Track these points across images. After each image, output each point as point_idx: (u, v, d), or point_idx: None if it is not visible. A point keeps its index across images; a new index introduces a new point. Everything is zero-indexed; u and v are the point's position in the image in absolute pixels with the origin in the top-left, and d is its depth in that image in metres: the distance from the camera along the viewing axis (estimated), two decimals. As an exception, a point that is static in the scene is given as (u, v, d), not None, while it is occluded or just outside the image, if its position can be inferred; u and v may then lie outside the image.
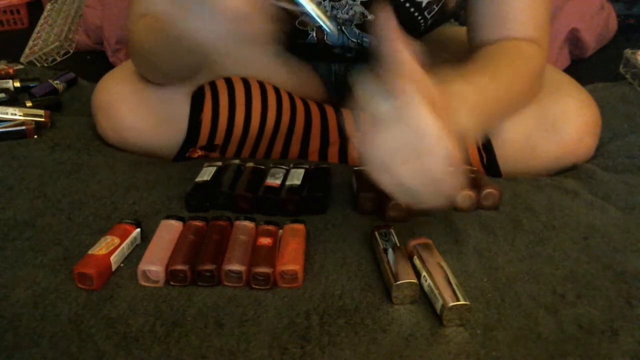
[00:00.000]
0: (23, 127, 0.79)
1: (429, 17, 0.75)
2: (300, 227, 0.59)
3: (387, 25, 0.46)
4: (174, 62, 0.69)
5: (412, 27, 0.77)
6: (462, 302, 0.47)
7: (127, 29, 0.74)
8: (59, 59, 1.28)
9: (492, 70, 0.63)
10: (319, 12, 0.50)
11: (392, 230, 0.57)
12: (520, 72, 0.66)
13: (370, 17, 0.74)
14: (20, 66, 1.12)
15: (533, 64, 0.68)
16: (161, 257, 0.54)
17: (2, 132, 0.78)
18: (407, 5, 0.73)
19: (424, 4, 0.73)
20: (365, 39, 0.78)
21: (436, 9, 0.75)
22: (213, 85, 0.79)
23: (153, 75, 0.75)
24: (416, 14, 0.74)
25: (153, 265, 0.52)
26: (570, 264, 0.55)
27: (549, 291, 0.52)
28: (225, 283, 0.53)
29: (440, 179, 0.46)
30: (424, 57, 0.49)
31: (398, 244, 0.55)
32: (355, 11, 0.74)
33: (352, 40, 0.79)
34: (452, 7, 0.78)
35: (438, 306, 0.48)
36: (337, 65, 0.91)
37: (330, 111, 0.87)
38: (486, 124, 0.61)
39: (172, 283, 0.53)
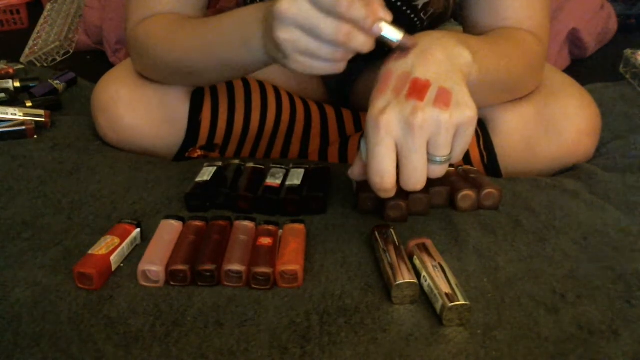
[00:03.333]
0: (23, 127, 0.79)
1: (425, 18, 0.75)
2: (300, 227, 0.59)
3: None
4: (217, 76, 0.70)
5: (408, 29, 0.77)
6: (462, 302, 0.47)
7: (128, 33, 0.74)
8: (59, 59, 1.28)
9: (489, 41, 0.63)
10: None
11: (392, 230, 0.57)
12: (517, 50, 0.66)
13: None
14: (20, 66, 1.12)
15: (533, 48, 0.68)
16: (161, 257, 0.54)
17: (2, 132, 0.78)
18: (404, 8, 0.73)
19: (420, 6, 0.73)
20: None
21: (432, 10, 0.75)
22: (212, 85, 0.79)
23: (157, 77, 0.75)
24: (412, 15, 0.74)
25: (153, 265, 0.52)
26: (570, 264, 0.55)
27: (549, 291, 0.52)
28: (225, 283, 0.53)
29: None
30: None
31: (398, 244, 0.55)
32: None
33: None
34: (443, 8, 0.77)
35: (438, 306, 0.48)
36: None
37: (330, 111, 0.87)
38: (480, 68, 0.57)
39: (172, 283, 0.53)
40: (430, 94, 0.49)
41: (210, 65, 0.66)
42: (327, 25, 0.48)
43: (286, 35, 0.50)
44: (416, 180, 0.51)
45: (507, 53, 0.63)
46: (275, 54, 0.54)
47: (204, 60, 0.65)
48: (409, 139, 0.49)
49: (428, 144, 0.50)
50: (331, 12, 0.48)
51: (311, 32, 0.49)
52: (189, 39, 0.66)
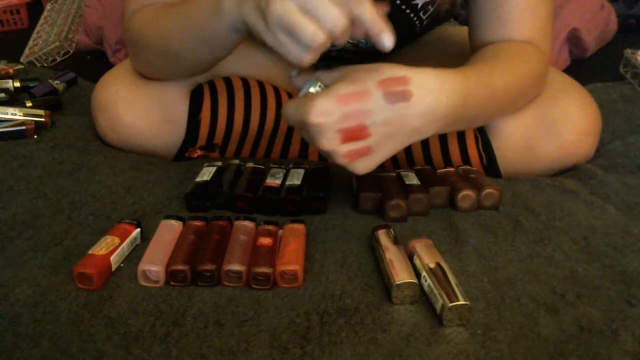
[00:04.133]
0: (23, 127, 0.79)
1: (424, 17, 0.75)
2: (300, 227, 0.59)
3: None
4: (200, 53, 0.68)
5: (407, 28, 0.77)
6: (462, 302, 0.47)
7: (124, 26, 0.73)
8: (59, 59, 1.28)
9: (485, 65, 0.63)
10: None
11: (392, 230, 0.57)
12: (516, 71, 0.66)
13: None
14: (20, 66, 1.12)
15: (532, 66, 0.68)
16: (161, 257, 0.54)
17: (2, 132, 0.79)
18: (403, 7, 0.73)
19: (419, 5, 0.73)
20: (362, 40, 0.78)
21: (432, 9, 0.74)
22: (212, 85, 0.79)
23: (152, 70, 0.75)
24: (412, 15, 0.74)
25: (153, 265, 0.52)
26: (570, 264, 0.55)
27: (549, 291, 0.52)
28: (225, 283, 0.53)
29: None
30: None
31: (398, 244, 0.55)
32: None
33: (348, 42, 0.79)
34: (446, 8, 0.77)
35: (438, 306, 0.48)
36: (337, 65, 0.91)
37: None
38: (463, 103, 0.57)
39: (172, 283, 0.53)
40: (357, 143, 0.53)
41: (187, 43, 0.65)
42: (328, 11, 0.48)
43: (278, 4, 0.48)
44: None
45: (505, 80, 0.64)
46: (254, 20, 0.52)
47: (180, 38, 0.64)
48: (306, 132, 0.53)
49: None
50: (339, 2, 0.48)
51: (309, 10, 0.48)
52: (168, 18, 0.66)
